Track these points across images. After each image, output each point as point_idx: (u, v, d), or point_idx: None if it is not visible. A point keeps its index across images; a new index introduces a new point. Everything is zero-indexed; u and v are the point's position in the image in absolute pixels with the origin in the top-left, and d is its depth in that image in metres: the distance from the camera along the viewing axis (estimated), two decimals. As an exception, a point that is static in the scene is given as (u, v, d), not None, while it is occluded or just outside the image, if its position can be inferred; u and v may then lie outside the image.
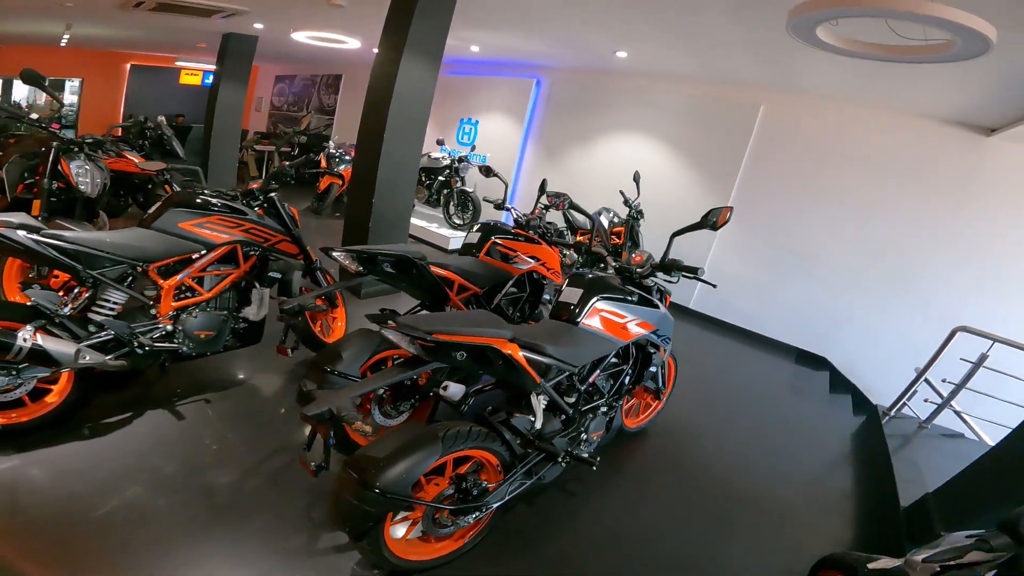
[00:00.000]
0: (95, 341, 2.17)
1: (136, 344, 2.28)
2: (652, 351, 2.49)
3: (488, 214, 6.72)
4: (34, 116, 3.77)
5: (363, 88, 4.18)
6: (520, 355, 1.68)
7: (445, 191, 7.24)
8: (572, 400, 2.12)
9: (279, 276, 2.84)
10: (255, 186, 2.84)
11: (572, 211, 6.11)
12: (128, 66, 12.19)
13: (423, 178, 7.95)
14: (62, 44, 9.62)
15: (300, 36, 6.76)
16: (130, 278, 2.36)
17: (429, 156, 7.44)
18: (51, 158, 3.31)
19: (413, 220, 7.15)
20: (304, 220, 3.52)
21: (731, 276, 5.85)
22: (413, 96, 3.92)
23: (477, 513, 1.79)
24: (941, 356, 3.76)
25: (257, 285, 2.72)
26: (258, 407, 2.72)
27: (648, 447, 3.03)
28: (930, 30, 2.05)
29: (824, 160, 5.31)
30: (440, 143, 6.91)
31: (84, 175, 3.38)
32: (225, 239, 2.54)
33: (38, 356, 1.96)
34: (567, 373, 1.97)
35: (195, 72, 12.94)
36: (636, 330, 2.25)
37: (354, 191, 4.32)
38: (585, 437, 2.20)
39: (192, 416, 2.50)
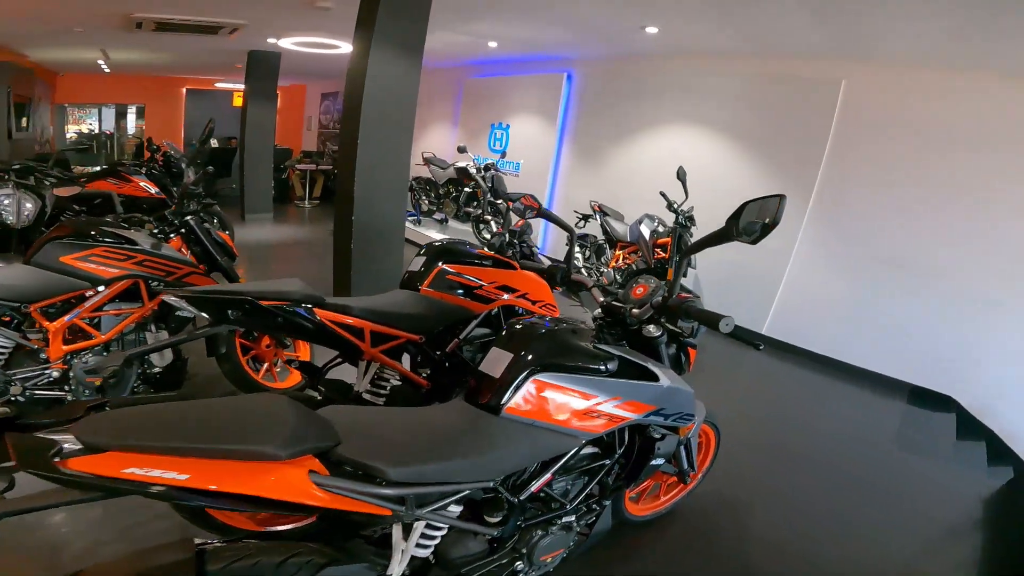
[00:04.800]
0: None
1: (22, 392, 2.02)
2: (658, 436, 1.61)
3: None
4: None
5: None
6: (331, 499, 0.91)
7: (474, 203, 6.59)
8: (496, 519, 1.32)
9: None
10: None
11: (608, 219, 5.24)
12: (184, 90, 12.66)
13: (451, 191, 7.36)
14: (106, 71, 9.99)
15: (287, 43, 6.37)
16: (15, 320, 2.10)
17: (455, 166, 6.84)
18: None
19: (433, 235, 6.56)
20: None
21: (814, 293, 4.72)
22: (390, 94, 3.27)
23: None
24: None
25: (152, 328, 2.32)
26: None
27: (680, 528, 2.13)
28: None
29: (928, 144, 4.08)
30: (462, 150, 6.24)
31: (9, 205, 3.05)
32: (115, 273, 2.17)
33: None
34: (467, 492, 1.18)
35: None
36: (615, 413, 1.39)
37: (337, 209, 3.74)
38: (526, 565, 1.40)
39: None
